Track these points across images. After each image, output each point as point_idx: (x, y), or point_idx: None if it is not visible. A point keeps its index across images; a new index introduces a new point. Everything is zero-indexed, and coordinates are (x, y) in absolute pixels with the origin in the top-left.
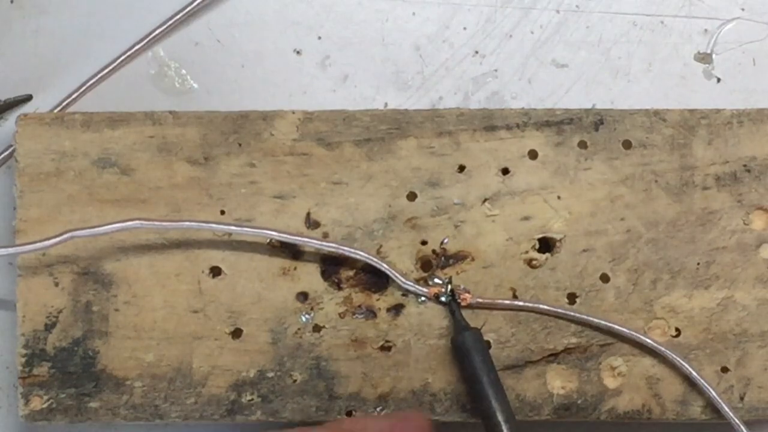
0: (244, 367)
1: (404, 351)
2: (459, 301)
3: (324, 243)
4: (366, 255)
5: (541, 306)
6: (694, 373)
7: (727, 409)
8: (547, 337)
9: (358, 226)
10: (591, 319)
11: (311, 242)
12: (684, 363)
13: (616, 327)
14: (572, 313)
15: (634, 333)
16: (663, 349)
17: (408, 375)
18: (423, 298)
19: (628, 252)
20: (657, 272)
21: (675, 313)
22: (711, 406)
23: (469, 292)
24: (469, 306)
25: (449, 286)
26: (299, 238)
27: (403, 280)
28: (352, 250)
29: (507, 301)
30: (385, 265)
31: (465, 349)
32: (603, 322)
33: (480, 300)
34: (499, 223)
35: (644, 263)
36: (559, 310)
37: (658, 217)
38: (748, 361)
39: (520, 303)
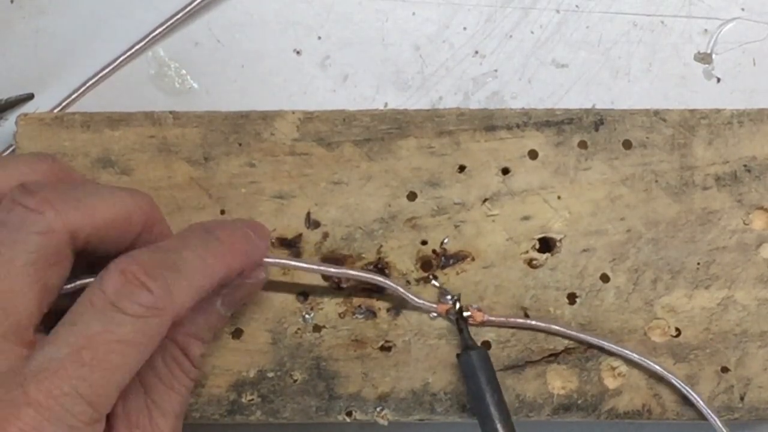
0: (244, 367)
1: (404, 351)
2: (467, 318)
3: (361, 274)
4: (395, 285)
5: (554, 327)
6: (680, 383)
7: (713, 417)
8: (547, 337)
9: (358, 226)
10: (611, 345)
11: (349, 273)
12: (669, 374)
13: (621, 350)
14: (584, 336)
15: (644, 359)
16: (648, 362)
17: (408, 375)
18: (434, 315)
19: (628, 252)
20: (657, 272)
21: (675, 313)
22: (710, 406)
23: (480, 310)
24: (481, 324)
25: (457, 304)
26: (339, 271)
27: (417, 300)
28: (386, 282)
29: (520, 320)
30: (406, 292)
31: (470, 368)
32: (614, 347)
33: (492, 319)
34: (499, 223)
35: (644, 263)
36: (573, 333)
37: (658, 217)
38: (748, 361)
39: (532, 322)
